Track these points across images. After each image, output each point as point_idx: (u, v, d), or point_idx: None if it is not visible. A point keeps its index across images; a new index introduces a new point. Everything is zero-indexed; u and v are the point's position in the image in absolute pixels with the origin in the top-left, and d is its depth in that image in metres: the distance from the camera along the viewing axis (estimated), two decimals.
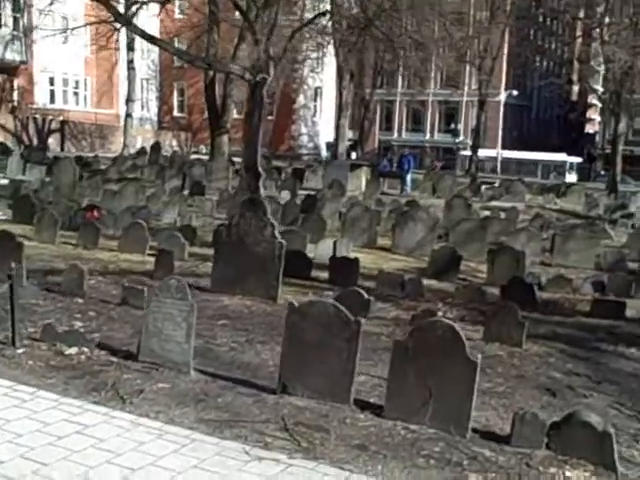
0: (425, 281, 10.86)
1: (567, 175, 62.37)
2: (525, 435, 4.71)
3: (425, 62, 66.35)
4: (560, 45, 58.55)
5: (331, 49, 37.29)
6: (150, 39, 21.92)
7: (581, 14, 44.59)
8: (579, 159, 65.47)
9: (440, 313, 8.71)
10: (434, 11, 55.19)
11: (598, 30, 36.80)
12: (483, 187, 28.16)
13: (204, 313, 7.47)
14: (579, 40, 53.14)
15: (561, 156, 66.30)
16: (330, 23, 31.26)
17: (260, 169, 18.74)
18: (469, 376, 4.86)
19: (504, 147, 68.52)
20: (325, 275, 10.67)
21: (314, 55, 50.19)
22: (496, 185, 30.43)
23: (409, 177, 28.58)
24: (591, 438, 4.54)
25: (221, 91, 31.03)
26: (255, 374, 6.00)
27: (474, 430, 4.98)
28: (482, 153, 65.97)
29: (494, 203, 23.11)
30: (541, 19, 61.39)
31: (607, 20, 36.97)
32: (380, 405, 5.27)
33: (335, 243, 12.07)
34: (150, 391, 5.43)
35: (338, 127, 34.84)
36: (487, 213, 18.95)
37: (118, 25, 23.67)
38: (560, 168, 64.78)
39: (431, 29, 60.59)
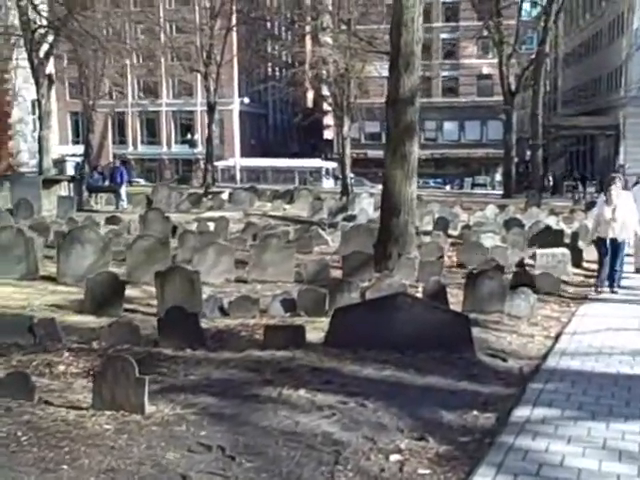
0: (79, 318, 8.58)
1: (324, 180, 63.05)
2: None
3: (154, 70, 64.21)
4: (287, 51, 58.80)
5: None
6: None
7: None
8: (334, 164, 66.33)
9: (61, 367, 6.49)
10: (155, 17, 52.99)
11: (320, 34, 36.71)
12: (204, 198, 26.32)
13: None
14: (310, 50, 53.65)
15: (316, 162, 67.02)
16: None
17: None
18: None
19: (244, 155, 68.00)
20: None
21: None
22: (223, 195, 28.82)
23: (123, 190, 26.01)
24: None
25: None
26: None
27: None
28: (224, 163, 64.98)
29: (208, 214, 21.31)
30: (269, 25, 61.34)
31: (324, 23, 36.99)
32: None
33: None
34: None
35: (40, 140, 31.23)
36: (194, 226, 17.03)
37: None
38: (316, 174, 65.48)
39: (157, 36, 58.55)
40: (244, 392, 6.09)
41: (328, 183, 61.76)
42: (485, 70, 67.80)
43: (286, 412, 5.66)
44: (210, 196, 27.91)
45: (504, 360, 7.53)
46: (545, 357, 7.68)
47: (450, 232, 19.54)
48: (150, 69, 60.26)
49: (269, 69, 71.20)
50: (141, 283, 11.01)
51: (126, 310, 9.50)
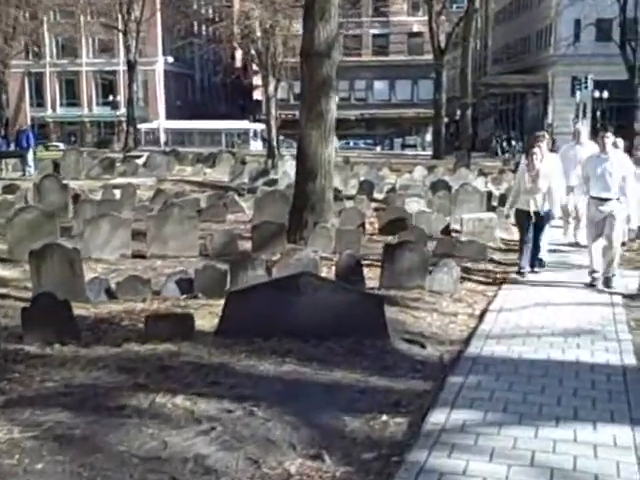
0: None
1: (252, 143, 61.45)
2: None
3: (74, 28, 61.15)
4: (213, 8, 56.59)
5: None
6: None
7: None
8: (263, 126, 64.80)
9: None
10: None
11: None
12: (118, 163, 24.75)
13: None
14: (237, 4, 51.37)
15: (244, 123, 65.23)
16: None
17: None
18: None
19: (170, 117, 65.80)
20: None
21: None
22: (140, 160, 27.23)
23: (30, 155, 24.24)
24: None
25: None
26: None
27: None
28: (148, 125, 62.72)
29: (119, 180, 19.87)
30: None
31: None
32: None
33: None
34: None
35: None
36: (100, 194, 15.67)
37: None
38: (244, 136, 63.81)
39: None
40: (108, 402, 5.03)
41: (256, 145, 60.32)
42: (416, 28, 66.78)
43: (154, 429, 4.64)
44: (126, 160, 26.30)
45: (422, 346, 6.65)
46: (468, 341, 6.83)
47: (376, 196, 18.65)
48: (68, 25, 57.35)
49: (195, 27, 68.65)
50: (24, 262, 9.73)
51: None
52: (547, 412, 5.00)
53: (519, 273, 9.54)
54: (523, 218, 9.60)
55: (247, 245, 11.13)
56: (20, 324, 6.67)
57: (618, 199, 8.81)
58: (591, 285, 8.95)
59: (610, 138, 9.04)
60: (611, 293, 8.59)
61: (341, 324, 6.49)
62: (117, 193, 15.74)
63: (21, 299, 8.01)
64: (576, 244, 11.57)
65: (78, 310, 7.36)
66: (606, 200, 8.79)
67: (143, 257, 10.51)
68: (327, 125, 11.63)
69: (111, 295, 8.27)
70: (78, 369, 5.72)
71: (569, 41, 46.01)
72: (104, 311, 7.62)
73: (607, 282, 8.84)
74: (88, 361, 5.91)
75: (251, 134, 64.32)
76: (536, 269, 9.72)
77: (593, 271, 9.03)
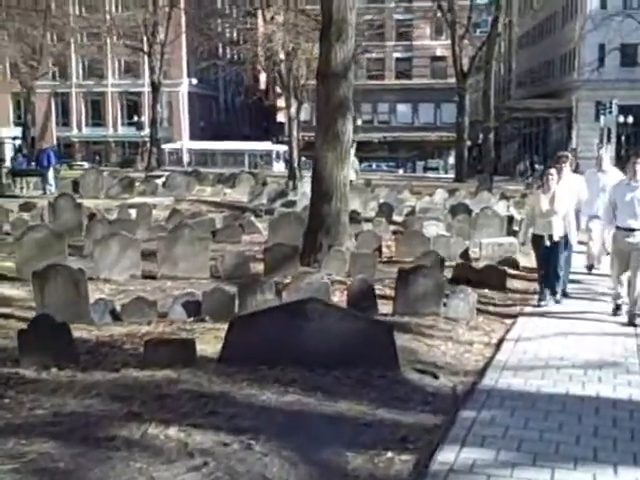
0: None
1: (275, 164, 61.51)
2: None
3: (100, 50, 61.83)
4: (234, 29, 56.93)
5: None
6: None
7: None
8: (285, 147, 65.02)
9: None
10: None
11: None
12: (137, 182, 24.72)
13: None
14: (261, 27, 51.66)
15: (267, 145, 65.38)
16: None
17: None
18: None
19: (194, 138, 66.11)
20: None
21: None
22: (159, 179, 27.20)
23: (51, 174, 24.29)
24: None
25: None
26: None
27: None
28: (171, 146, 63.01)
29: (137, 200, 19.74)
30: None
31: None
32: None
33: None
34: None
35: None
36: (113, 214, 15.54)
37: None
38: (267, 157, 63.92)
39: (102, 14, 56.32)
40: (97, 433, 4.77)
41: (279, 167, 60.28)
42: (439, 52, 66.72)
43: (143, 463, 4.37)
44: (147, 180, 26.27)
45: (435, 377, 6.33)
46: (483, 372, 6.50)
47: (395, 218, 18.35)
48: (94, 47, 58.02)
49: (219, 49, 69.12)
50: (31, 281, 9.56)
51: (0, 315, 8.08)
52: (564, 452, 4.67)
53: (538, 305, 9.00)
54: (539, 244, 9.02)
55: (260, 267, 10.88)
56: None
57: None
58: (615, 313, 8.53)
59: None
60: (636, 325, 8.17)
61: (349, 353, 6.20)
62: (133, 212, 15.59)
63: (24, 319, 7.81)
64: (591, 267, 11.23)
65: (80, 332, 7.16)
66: (634, 230, 8.20)
67: (153, 278, 10.30)
68: (343, 147, 11.40)
69: (116, 317, 8.05)
70: (71, 396, 5.47)
71: (593, 66, 45.62)
72: (106, 334, 7.39)
73: (632, 319, 8.21)
74: (83, 387, 5.66)
75: (274, 155, 64.33)
76: (558, 299, 9.16)
77: (617, 296, 8.57)
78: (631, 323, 8.14)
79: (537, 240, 9.04)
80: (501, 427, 5.07)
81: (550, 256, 8.87)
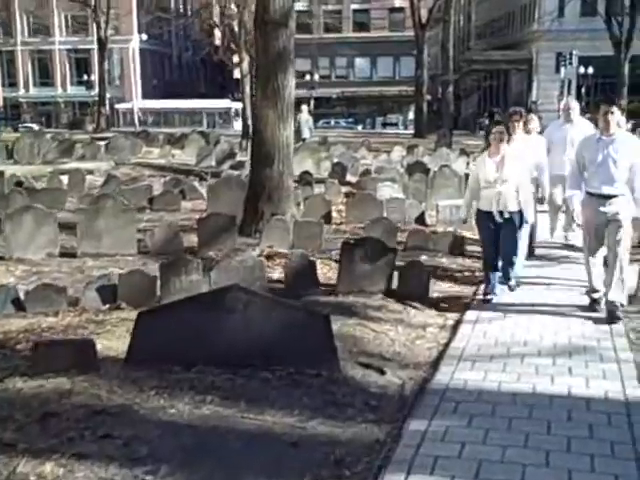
0: None
1: (234, 123, 59.87)
2: None
3: (45, 4, 59.25)
4: None
5: None
6: None
7: None
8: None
9: None
10: None
11: None
12: (79, 145, 23.30)
13: None
14: None
15: (225, 102, 63.55)
16: None
17: None
18: None
19: (147, 97, 64.10)
20: None
21: None
22: (102, 142, 25.71)
23: None
24: None
25: None
26: None
27: None
28: (125, 106, 60.95)
29: (75, 165, 18.41)
30: None
31: None
32: None
33: None
34: None
35: None
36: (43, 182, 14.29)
37: None
38: (225, 115, 62.26)
39: None
40: None
41: (238, 125, 58.74)
42: (397, 2, 65.18)
43: None
44: (91, 143, 24.80)
45: (381, 372, 5.44)
46: (437, 364, 5.62)
47: (349, 179, 17.41)
48: (39, 1, 55.55)
49: (171, 2, 66.78)
50: None
51: None
52: (531, 475, 3.81)
53: (485, 300, 7.18)
54: (485, 222, 7.19)
55: (195, 240, 9.86)
56: None
57: (624, 196, 6.48)
58: (591, 308, 6.87)
59: (616, 115, 6.50)
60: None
61: (280, 348, 5.26)
62: (65, 180, 14.37)
63: None
64: (567, 246, 9.66)
65: None
66: (609, 197, 6.48)
67: (73, 256, 9.21)
68: (284, 103, 10.33)
69: (20, 306, 7.00)
70: None
71: (553, 16, 44.73)
72: (3, 329, 6.35)
73: (611, 315, 6.52)
74: None
75: (232, 113, 62.64)
76: (512, 284, 7.49)
77: (593, 290, 6.92)
78: (611, 320, 6.48)
79: (482, 217, 7.18)
80: (456, 444, 4.19)
81: (501, 237, 7.08)
